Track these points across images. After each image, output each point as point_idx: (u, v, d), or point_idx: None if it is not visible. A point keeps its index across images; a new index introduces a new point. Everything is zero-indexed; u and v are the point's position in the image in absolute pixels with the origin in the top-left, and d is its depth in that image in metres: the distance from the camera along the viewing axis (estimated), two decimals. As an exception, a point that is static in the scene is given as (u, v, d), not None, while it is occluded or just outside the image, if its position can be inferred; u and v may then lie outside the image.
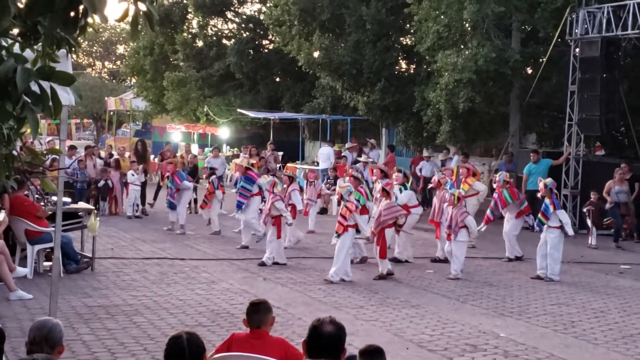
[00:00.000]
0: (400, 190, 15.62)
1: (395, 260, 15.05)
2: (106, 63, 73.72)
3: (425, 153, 25.81)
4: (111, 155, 24.19)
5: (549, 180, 14.87)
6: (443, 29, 21.98)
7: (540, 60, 21.87)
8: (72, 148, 22.65)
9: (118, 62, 64.84)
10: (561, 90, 21.56)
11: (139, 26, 3.41)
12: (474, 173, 18.09)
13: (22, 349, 7.58)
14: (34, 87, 3.09)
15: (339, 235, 13.34)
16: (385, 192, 14.38)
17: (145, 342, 9.31)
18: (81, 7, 3.06)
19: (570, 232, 14.25)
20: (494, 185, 16.36)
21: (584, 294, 13.09)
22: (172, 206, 18.55)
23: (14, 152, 3.82)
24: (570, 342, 10.11)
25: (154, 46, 38.20)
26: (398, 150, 28.64)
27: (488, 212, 16.20)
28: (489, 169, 25.12)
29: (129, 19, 3.23)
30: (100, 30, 63.94)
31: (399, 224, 14.23)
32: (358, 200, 14.34)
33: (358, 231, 13.63)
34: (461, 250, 14.13)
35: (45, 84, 3.16)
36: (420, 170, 24.76)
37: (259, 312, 6.21)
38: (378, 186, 15.35)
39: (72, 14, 3.08)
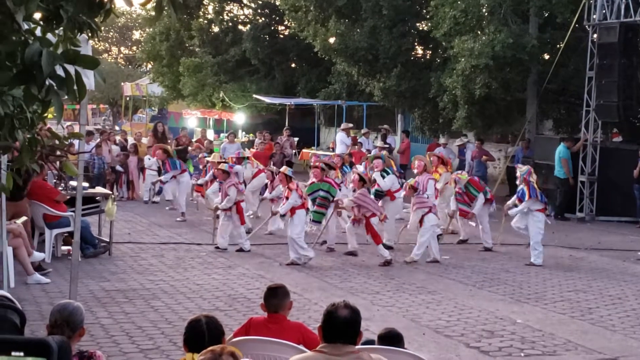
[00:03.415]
0: (383, 177, 15.44)
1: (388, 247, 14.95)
2: (122, 48, 73.83)
3: (441, 139, 25.74)
4: (126, 141, 24.27)
5: (525, 168, 14.75)
6: (460, 15, 21.89)
7: (558, 46, 21.76)
8: (89, 134, 22.70)
9: (134, 48, 64.91)
10: (579, 76, 21.44)
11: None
12: (445, 162, 17.81)
13: (41, 332, 7.63)
14: (59, 71, 3.11)
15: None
16: (362, 181, 14.14)
17: (163, 326, 9.36)
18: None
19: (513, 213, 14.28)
20: (455, 188, 15.87)
21: (601, 281, 13.05)
22: (159, 192, 18.72)
23: (37, 136, 3.85)
24: (587, 328, 10.09)
25: (170, 32, 38.25)
26: (414, 137, 28.59)
27: (462, 207, 15.66)
28: (506, 155, 25.03)
29: (153, 3, 3.24)
30: (119, 15, 63.95)
31: (357, 217, 13.83)
32: (328, 192, 14.36)
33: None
34: (426, 236, 13.92)
35: (70, 68, 3.17)
36: (437, 156, 24.66)
37: (276, 297, 6.24)
38: (354, 175, 15.05)
39: (98, -3, 3.10)
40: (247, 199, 17.85)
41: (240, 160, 18.73)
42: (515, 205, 14.39)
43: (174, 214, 18.33)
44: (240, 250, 14.47)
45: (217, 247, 14.56)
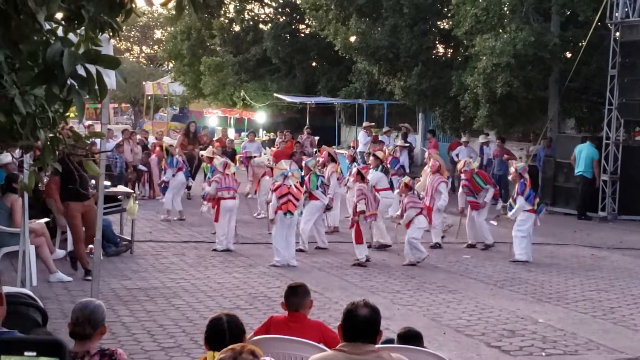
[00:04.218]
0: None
1: (381, 247, 14.87)
2: (144, 48, 74.10)
3: (463, 138, 25.66)
4: (146, 140, 24.33)
5: (521, 164, 14.69)
6: (481, 13, 21.81)
7: (580, 44, 21.62)
8: (108, 131, 22.80)
9: (155, 47, 65.12)
10: (601, 74, 21.30)
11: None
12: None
13: (63, 330, 7.68)
14: (80, 71, 3.13)
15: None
16: (360, 176, 13.97)
17: (184, 324, 9.41)
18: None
19: (512, 216, 14.16)
20: (462, 176, 15.72)
21: (623, 280, 12.98)
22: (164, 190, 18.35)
23: (59, 136, 3.87)
24: (609, 327, 10.04)
25: (191, 31, 38.36)
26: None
27: (468, 199, 15.40)
28: (527, 154, 24.89)
29: (173, 3, 3.25)
30: (140, 14, 64.20)
31: (359, 210, 13.51)
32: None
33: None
34: (416, 236, 13.60)
35: (91, 68, 3.19)
36: (457, 155, 24.62)
37: (297, 295, 6.26)
38: (353, 169, 14.94)
39: (118, -3, 3.12)
40: (261, 203, 17.97)
41: (248, 159, 18.97)
42: (511, 206, 14.31)
43: (196, 212, 18.33)
44: (215, 250, 14.31)
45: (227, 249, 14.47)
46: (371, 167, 15.56)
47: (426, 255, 13.67)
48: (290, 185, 13.25)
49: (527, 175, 14.27)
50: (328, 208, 15.18)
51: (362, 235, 13.53)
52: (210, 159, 16.10)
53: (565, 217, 20.22)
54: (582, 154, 20.13)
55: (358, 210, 13.50)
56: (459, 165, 15.86)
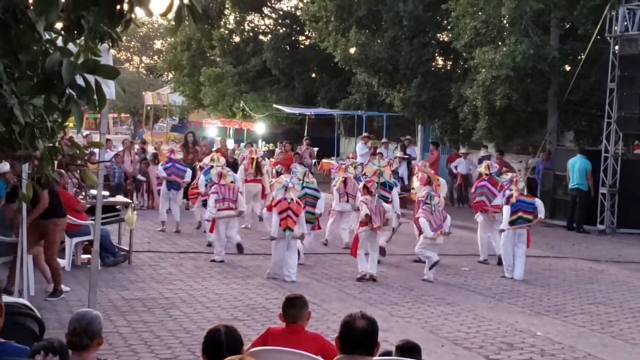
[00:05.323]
0: None
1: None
2: (144, 58, 74.16)
3: (462, 150, 25.66)
4: (144, 150, 24.29)
5: (508, 176, 14.69)
6: (481, 25, 21.87)
7: (579, 57, 21.67)
8: (107, 141, 22.77)
9: (155, 57, 65.16)
10: (600, 87, 21.33)
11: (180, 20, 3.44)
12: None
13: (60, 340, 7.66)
14: (79, 81, 3.13)
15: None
16: (365, 189, 13.83)
17: (181, 335, 9.38)
18: (126, 1, 3.10)
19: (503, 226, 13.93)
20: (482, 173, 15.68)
21: (621, 294, 12.96)
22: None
23: (57, 145, 3.87)
24: (607, 341, 10.02)
25: (191, 42, 38.41)
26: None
27: (483, 199, 15.33)
28: (526, 166, 24.90)
29: (172, 13, 3.25)
30: (140, 25, 64.25)
31: (362, 217, 13.22)
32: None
33: None
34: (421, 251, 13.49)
35: (90, 78, 3.19)
36: (456, 167, 24.64)
37: (295, 307, 6.24)
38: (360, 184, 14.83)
39: (117, 7, 3.12)
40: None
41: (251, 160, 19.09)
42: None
43: (193, 222, 18.32)
44: (213, 261, 14.21)
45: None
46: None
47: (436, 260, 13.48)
48: (292, 200, 13.05)
49: (513, 187, 14.11)
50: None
51: (359, 248, 13.13)
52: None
53: (564, 230, 20.22)
54: (576, 167, 20.16)
55: (362, 219, 13.25)
56: (482, 170, 15.77)
